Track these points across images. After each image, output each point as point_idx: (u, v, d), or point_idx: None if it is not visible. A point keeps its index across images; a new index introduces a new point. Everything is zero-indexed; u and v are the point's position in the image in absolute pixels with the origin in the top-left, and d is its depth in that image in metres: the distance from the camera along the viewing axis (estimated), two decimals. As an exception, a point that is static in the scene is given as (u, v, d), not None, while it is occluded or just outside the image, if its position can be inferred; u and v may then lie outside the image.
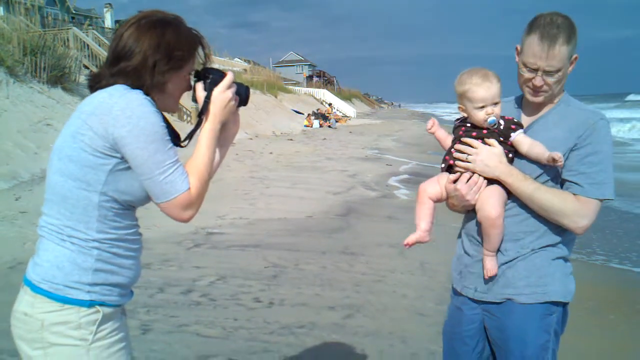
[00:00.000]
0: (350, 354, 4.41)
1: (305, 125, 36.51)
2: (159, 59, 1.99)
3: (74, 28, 23.10)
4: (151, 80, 1.99)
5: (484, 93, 2.35)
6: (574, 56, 2.33)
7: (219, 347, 4.41)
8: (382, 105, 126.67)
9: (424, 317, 5.15)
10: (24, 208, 8.63)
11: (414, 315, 5.22)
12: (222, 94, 2.11)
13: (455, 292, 2.64)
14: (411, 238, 2.51)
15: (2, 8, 27.94)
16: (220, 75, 2.14)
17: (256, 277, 6.16)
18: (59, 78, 16.32)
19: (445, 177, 2.48)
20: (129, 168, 1.92)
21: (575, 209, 2.31)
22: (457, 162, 2.45)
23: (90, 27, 28.34)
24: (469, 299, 2.54)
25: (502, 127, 2.40)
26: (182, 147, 2.12)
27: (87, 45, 21.93)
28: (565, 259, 2.46)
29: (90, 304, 1.93)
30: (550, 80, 2.31)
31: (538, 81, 2.31)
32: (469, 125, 2.46)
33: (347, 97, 73.91)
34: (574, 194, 2.32)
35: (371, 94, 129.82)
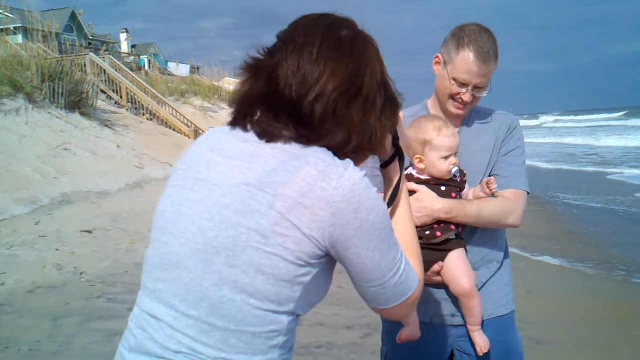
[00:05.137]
0: (369, 373, 4.36)
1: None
2: (385, 102, 1.44)
3: (91, 53, 23.46)
4: (375, 138, 1.42)
5: (451, 141, 2.21)
6: None
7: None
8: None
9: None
10: (43, 232, 8.69)
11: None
12: (406, 134, 1.68)
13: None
14: (404, 333, 2.22)
15: (20, 35, 28.54)
16: None
17: (274, 297, 6.12)
18: (76, 103, 16.57)
19: None
20: (323, 270, 1.37)
21: (513, 205, 2.29)
22: None
23: (106, 53, 28.79)
24: (441, 326, 2.37)
25: (458, 180, 2.27)
26: None
27: (104, 70, 22.21)
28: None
29: None
30: (478, 95, 2.27)
31: (468, 97, 2.25)
32: (423, 178, 2.27)
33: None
34: (503, 190, 2.30)
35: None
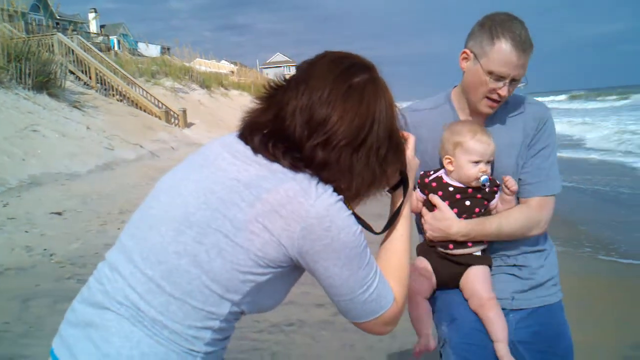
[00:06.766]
0: (340, 350, 4.43)
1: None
2: (388, 150, 1.51)
3: (59, 34, 22.99)
4: (375, 184, 1.54)
5: (484, 148, 2.12)
6: None
7: (209, 347, 4.40)
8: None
9: (413, 312, 5.16)
10: (12, 214, 8.59)
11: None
12: (414, 159, 1.72)
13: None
14: (419, 347, 2.20)
15: (-15, 15, 27.81)
16: None
17: (246, 277, 6.13)
18: (44, 84, 16.26)
19: (424, 262, 2.25)
20: (281, 277, 1.47)
21: (537, 216, 2.22)
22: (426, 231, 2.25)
23: (74, 33, 28.27)
24: (504, 310, 2.26)
25: (487, 190, 2.20)
26: (377, 234, 1.70)
27: (72, 50, 21.83)
28: None
29: None
30: (511, 89, 2.10)
31: (505, 91, 2.07)
32: (451, 189, 2.20)
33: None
34: (529, 198, 2.23)
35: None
